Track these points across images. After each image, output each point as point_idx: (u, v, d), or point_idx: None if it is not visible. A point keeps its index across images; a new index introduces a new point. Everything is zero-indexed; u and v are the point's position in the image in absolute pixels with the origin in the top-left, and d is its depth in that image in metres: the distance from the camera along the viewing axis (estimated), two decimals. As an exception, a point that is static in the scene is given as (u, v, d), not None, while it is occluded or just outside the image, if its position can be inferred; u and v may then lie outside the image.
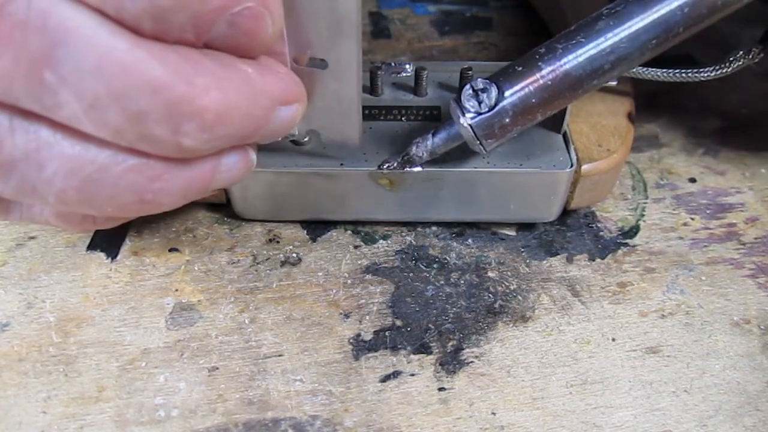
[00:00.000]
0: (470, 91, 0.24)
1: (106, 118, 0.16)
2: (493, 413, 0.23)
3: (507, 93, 0.24)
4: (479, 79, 0.24)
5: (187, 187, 0.19)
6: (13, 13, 0.14)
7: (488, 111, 0.24)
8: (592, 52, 0.23)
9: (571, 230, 0.30)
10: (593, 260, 0.29)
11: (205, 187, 0.20)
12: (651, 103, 0.37)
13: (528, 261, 0.29)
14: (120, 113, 0.16)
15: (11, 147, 0.16)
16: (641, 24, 0.23)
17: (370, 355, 0.25)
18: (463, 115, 0.24)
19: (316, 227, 0.29)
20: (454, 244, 0.29)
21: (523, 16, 0.43)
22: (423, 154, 0.26)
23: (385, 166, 0.26)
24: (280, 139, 0.22)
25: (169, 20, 0.15)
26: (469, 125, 0.24)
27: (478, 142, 0.24)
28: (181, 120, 0.16)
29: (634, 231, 0.30)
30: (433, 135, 0.26)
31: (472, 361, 0.25)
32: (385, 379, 0.24)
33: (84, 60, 0.15)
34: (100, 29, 0.15)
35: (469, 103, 0.24)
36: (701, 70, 0.29)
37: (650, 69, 0.29)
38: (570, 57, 0.23)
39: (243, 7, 0.16)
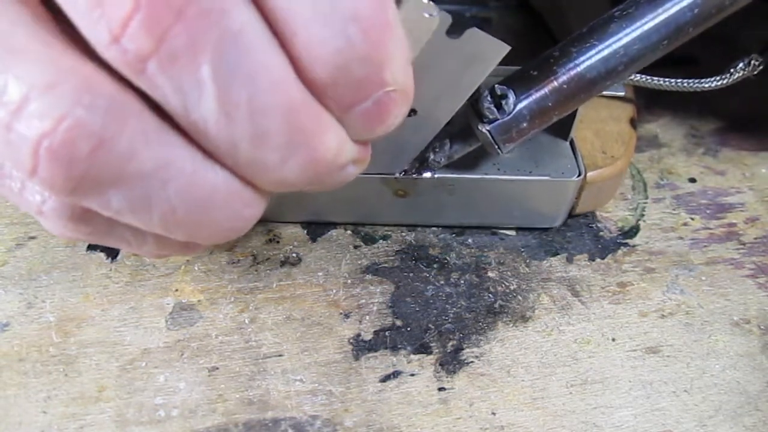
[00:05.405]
0: (488, 97, 0.24)
1: (233, 130, 0.15)
2: (493, 413, 0.23)
3: (523, 97, 0.24)
4: (497, 86, 0.24)
5: (257, 217, 0.19)
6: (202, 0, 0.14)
7: (506, 116, 0.24)
8: (606, 54, 0.23)
9: (571, 230, 0.30)
10: (593, 260, 0.29)
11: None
12: (651, 103, 0.37)
13: (528, 261, 0.29)
14: (248, 128, 0.15)
15: (145, 159, 0.15)
16: (652, 25, 0.23)
17: (370, 355, 0.25)
18: (482, 120, 0.24)
19: (316, 227, 0.29)
20: (454, 244, 0.29)
21: (523, 16, 0.43)
22: (441, 159, 0.26)
23: (402, 172, 0.26)
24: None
25: (348, 70, 0.15)
26: (488, 131, 0.24)
27: (496, 146, 0.24)
28: (295, 151, 0.16)
29: (634, 231, 0.30)
30: (451, 140, 0.26)
31: (472, 361, 0.25)
32: (385, 379, 0.24)
33: (242, 64, 0.14)
34: (264, 40, 0.15)
35: (488, 109, 0.24)
36: (702, 80, 0.29)
37: (653, 78, 0.29)
38: (584, 59, 0.23)
39: (392, 89, 0.16)
